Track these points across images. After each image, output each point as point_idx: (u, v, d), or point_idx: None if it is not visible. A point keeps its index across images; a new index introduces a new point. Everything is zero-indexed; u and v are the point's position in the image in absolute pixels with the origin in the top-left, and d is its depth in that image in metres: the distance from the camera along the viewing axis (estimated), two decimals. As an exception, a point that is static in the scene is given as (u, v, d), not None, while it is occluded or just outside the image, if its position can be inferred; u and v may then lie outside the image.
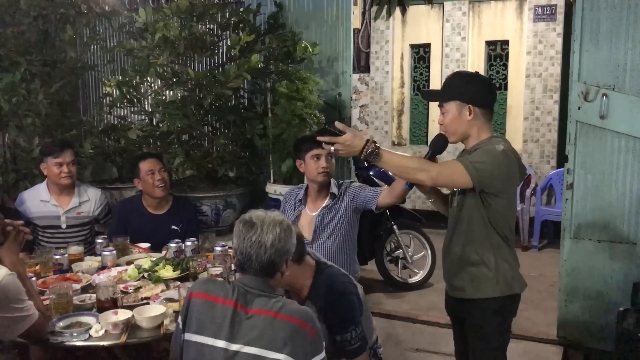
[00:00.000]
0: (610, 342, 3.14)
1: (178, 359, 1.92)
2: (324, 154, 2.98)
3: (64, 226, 3.49)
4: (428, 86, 7.13)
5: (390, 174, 4.55)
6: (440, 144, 2.41)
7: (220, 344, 1.79)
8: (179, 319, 1.93)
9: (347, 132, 2.21)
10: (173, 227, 3.52)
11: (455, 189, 2.42)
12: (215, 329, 1.80)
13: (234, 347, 1.77)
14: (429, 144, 2.69)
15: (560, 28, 6.27)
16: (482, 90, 2.33)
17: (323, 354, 1.83)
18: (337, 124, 2.26)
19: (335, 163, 3.10)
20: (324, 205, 3.04)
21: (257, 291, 1.84)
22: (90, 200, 3.58)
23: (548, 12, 6.35)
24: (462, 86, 2.33)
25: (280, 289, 2.15)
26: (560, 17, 6.26)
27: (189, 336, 1.85)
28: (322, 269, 2.31)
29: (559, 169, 6.02)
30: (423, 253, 4.99)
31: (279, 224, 1.86)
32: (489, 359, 2.42)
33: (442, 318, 4.12)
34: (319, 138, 2.26)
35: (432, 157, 2.41)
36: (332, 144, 2.22)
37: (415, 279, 4.97)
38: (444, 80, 2.44)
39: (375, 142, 2.20)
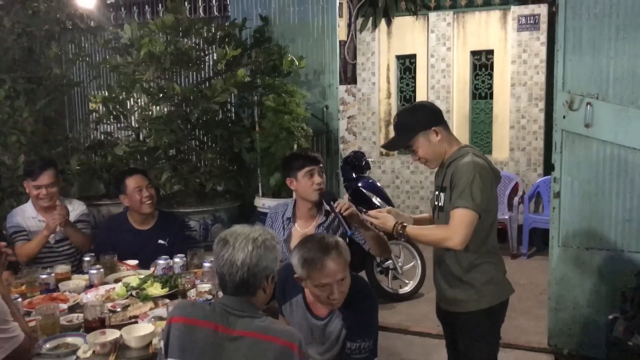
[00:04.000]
0: (600, 349, 3.15)
1: None
2: (317, 170, 2.88)
3: (52, 241, 3.46)
4: (414, 97, 7.17)
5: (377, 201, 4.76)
6: (328, 196, 2.78)
7: None
8: (161, 344, 1.88)
9: (385, 214, 2.51)
10: (160, 241, 3.49)
11: (435, 203, 2.52)
12: (198, 354, 1.75)
13: None
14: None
15: (544, 37, 6.34)
16: (430, 112, 2.48)
17: None
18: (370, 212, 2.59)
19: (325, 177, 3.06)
20: (319, 222, 2.93)
21: (239, 312, 1.78)
22: (74, 210, 3.56)
23: (532, 22, 6.43)
24: (415, 119, 2.47)
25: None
26: (543, 26, 6.34)
27: None
28: (351, 277, 2.31)
29: (545, 177, 6.06)
30: (413, 263, 4.99)
31: (252, 241, 1.79)
32: None
33: (434, 329, 4.13)
34: (364, 217, 2.61)
35: (329, 203, 2.70)
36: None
37: (406, 289, 4.97)
38: (394, 124, 2.55)
39: (403, 224, 2.44)
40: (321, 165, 2.93)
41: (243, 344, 1.73)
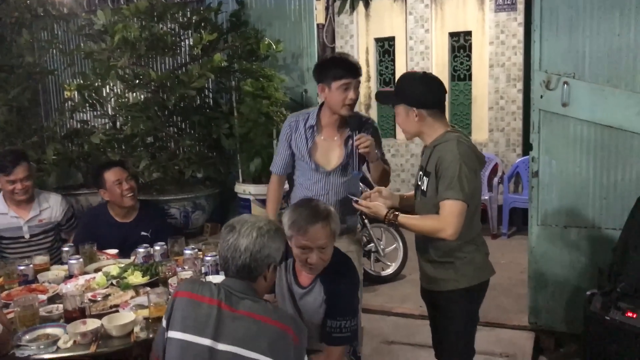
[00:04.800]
0: (579, 325, 3.20)
1: (160, 358, 1.91)
2: (354, 84, 2.69)
3: (27, 236, 3.41)
4: (394, 80, 7.16)
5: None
6: (356, 123, 2.71)
7: (205, 341, 1.78)
8: (163, 318, 1.94)
9: (377, 204, 2.48)
10: (143, 233, 3.45)
11: (419, 183, 2.51)
12: (200, 327, 1.80)
13: (218, 345, 1.78)
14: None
15: (521, 17, 6.36)
16: (424, 93, 2.39)
17: None
18: (361, 202, 2.55)
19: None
20: (347, 135, 2.80)
21: (241, 294, 1.85)
22: (51, 207, 3.50)
23: (509, 2, 6.44)
24: (406, 89, 2.43)
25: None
26: (520, 6, 6.35)
27: (173, 334, 1.84)
28: (338, 252, 2.35)
29: (524, 157, 6.12)
30: (395, 245, 5.02)
31: (257, 229, 1.88)
32: (458, 341, 2.53)
33: (416, 309, 4.17)
34: (356, 206, 2.55)
35: (353, 132, 2.68)
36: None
37: (388, 271, 5.00)
38: (396, 81, 2.51)
39: (395, 212, 2.42)
40: (359, 79, 2.74)
41: (243, 323, 1.80)
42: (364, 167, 2.86)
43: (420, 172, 2.50)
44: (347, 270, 2.35)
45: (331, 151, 2.85)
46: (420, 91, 2.39)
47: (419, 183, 2.50)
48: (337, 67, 2.69)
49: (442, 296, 2.49)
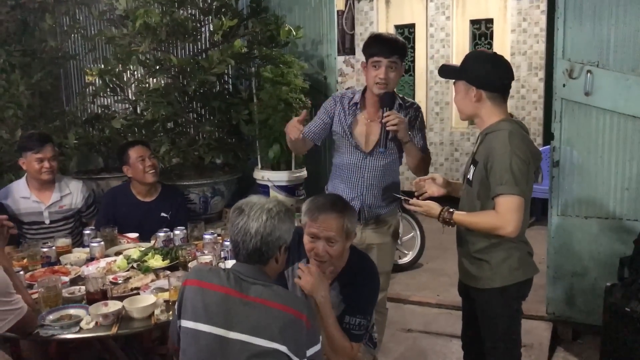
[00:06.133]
0: (598, 316, 3.19)
1: (177, 346, 1.93)
2: (385, 63, 2.68)
3: (47, 222, 3.45)
4: (413, 67, 7.11)
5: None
6: (387, 100, 2.67)
7: (216, 330, 1.78)
8: (175, 307, 1.94)
9: (428, 202, 2.43)
10: (163, 214, 3.53)
11: (468, 177, 2.41)
12: (210, 316, 1.80)
13: (230, 334, 1.77)
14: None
15: (544, 5, 6.27)
16: (489, 73, 2.30)
17: (319, 346, 1.82)
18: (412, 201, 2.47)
19: (397, 76, 2.77)
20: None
21: (252, 279, 1.83)
22: (72, 193, 3.55)
23: (531, -11, 6.34)
24: (471, 66, 2.33)
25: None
26: (543, -6, 6.26)
27: (185, 323, 1.84)
28: (357, 253, 2.35)
29: (545, 146, 6.05)
30: (412, 234, 5.02)
31: (267, 212, 1.84)
32: (496, 341, 2.42)
33: (433, 298, 4.18)
34: (407, 206, 2.48)
35: (382, 109, 2.65)
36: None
37: (405, 260, 5.00)
38: (464, 57, 2.42)
39: (449, 210, 2.34)
40: (393, 59, 2.71)
41: (254, 310, 1.78)
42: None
43: (470, 162, 2.41)
44: (368, 270, 2.32)
45: (370, 131, 2.85)
46: (485, 70, 2.30)
47: (467, 173, 2.42)
48: (372, 45, 2.74)
49: (478, 293, 2.42)
